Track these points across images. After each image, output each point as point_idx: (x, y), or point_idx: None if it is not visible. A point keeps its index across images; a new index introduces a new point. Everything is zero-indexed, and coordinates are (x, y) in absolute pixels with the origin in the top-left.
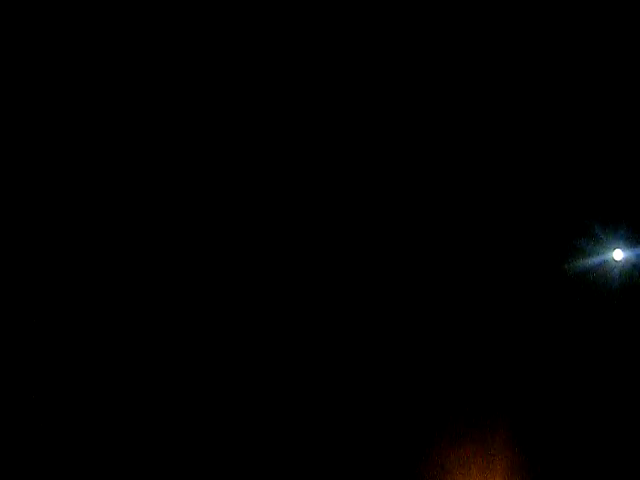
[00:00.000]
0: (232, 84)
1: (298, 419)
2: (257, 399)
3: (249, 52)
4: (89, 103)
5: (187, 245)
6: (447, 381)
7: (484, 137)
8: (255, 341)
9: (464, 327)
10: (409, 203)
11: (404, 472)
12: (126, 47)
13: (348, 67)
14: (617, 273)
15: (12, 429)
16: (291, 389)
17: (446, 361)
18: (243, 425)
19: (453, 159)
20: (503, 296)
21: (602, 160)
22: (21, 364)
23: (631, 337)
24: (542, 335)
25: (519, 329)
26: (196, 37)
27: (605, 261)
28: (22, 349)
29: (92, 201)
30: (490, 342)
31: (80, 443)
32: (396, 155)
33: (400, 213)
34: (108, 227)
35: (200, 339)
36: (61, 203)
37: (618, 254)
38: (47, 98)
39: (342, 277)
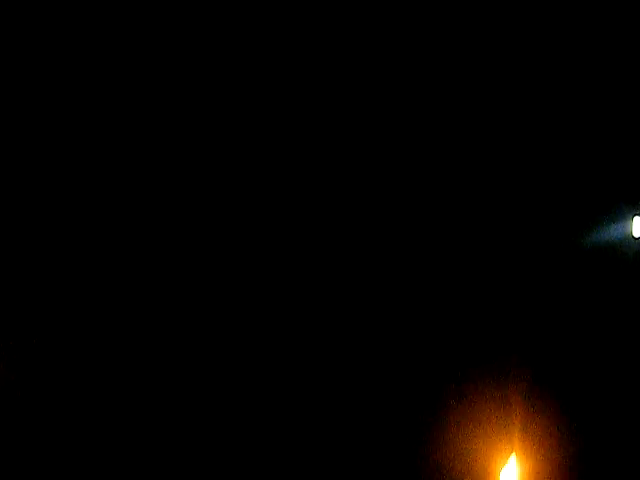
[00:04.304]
0: (232, 84)
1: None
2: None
3: (249, 52)
4: (89, 103)
5: (187, 245)
6: (457, 318)
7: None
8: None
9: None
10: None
11: (413, 415)
12: (126, 47)
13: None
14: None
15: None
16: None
17: (456, 298)
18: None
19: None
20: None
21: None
22: (21, 364)
23: None
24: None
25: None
26: (196, 37)
27: (623, 237)
28: (22, 349)
29: (92, 201)
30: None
31: (80, 443)
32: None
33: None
34: (108, 227)
35: (200, 339)
36: (61, 203)
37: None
38: (47, 98)
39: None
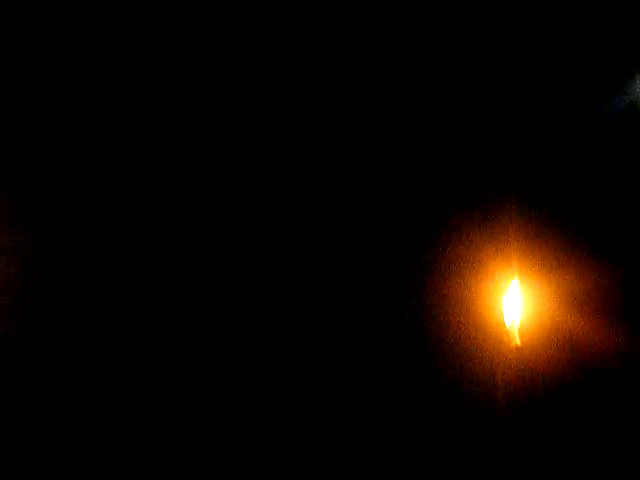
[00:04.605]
0: (232, 84)
1: None
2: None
3: (249, 52)
4: (89, 103)
5: (186, 245)
6: (450, 152)
7: None
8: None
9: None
10: None
11: (404, 255)
12: (126, 47)
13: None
14: None
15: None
16: None
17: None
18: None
19: None
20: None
21: None
22: (21, 364)
23: None
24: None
25: None
26: (196, 37)
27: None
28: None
29: (92, 201)
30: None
31: (80, 443)
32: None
33: None
34: (108, 227)
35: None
36: (61, 203)
37: None
38: (47, 98)
39: None
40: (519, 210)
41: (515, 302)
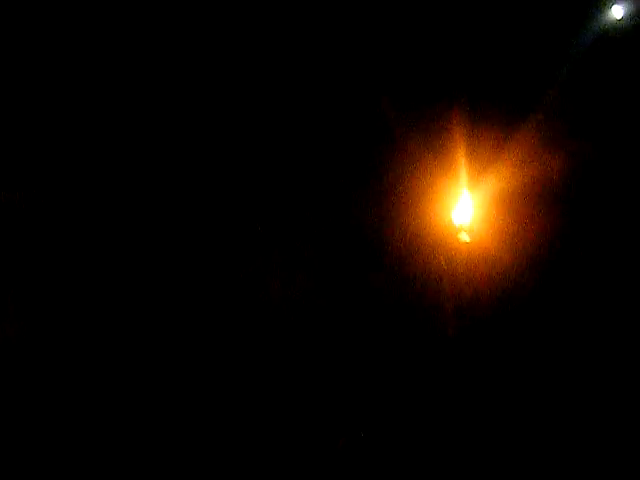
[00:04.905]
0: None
1: None
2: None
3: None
4: (89, 103)
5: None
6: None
7: None
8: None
9: None
10: None
11: (360, 162)
12: (126, 47)
13: None
14: (618, 33)
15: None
16: None
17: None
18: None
19: None
20: None
21: None
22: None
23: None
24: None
25: None
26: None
27: (604, 21)
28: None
29: (91, 201)
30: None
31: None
32: None
33: None
34: (107, 227)
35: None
36: (60, 203)
37: (617, 11)
38: (47, 98)
39: None
40: (466, 117)
41: (463, 203)
